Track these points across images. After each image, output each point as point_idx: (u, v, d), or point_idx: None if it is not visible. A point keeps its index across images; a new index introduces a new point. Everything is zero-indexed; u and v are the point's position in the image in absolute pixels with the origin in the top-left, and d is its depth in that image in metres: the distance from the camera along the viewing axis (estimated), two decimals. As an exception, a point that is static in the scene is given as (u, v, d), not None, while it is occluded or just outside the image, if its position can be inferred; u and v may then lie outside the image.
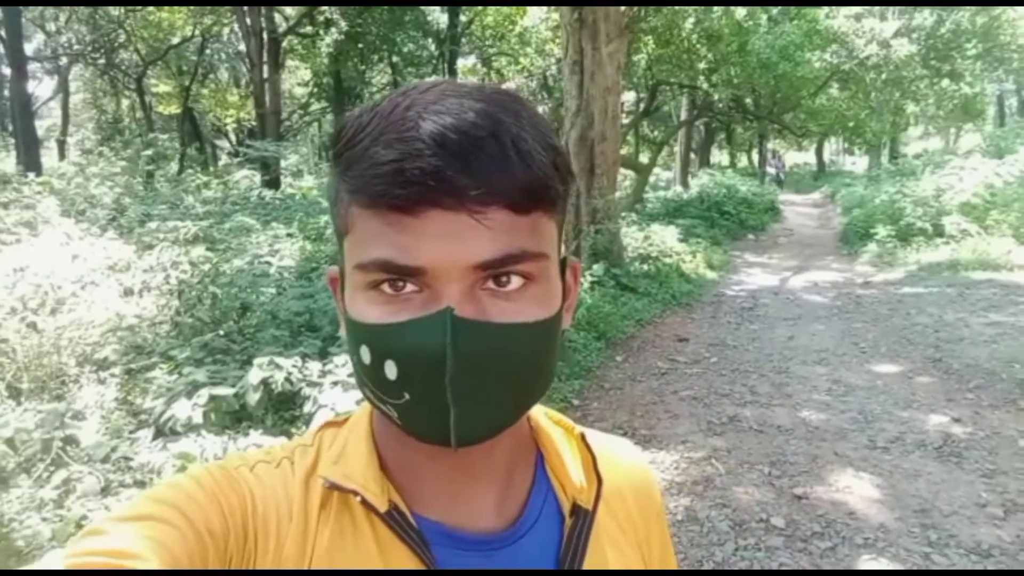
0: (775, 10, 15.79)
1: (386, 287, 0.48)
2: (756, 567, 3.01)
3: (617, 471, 0.66)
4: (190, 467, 0.51)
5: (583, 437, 0.63)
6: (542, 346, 0.51)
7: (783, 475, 3.85)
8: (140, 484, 3.49)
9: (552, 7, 12.48)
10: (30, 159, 15.50)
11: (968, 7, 15.75)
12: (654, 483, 0.71)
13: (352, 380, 3.95)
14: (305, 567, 0.52)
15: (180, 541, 0.47)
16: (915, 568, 2.98)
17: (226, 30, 25.16)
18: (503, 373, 0.49)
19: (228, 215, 11.36)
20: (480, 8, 21.09)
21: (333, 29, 21.13)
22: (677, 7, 12.62)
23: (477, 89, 0.50)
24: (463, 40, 23.41)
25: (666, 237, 11.07)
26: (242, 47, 25.55)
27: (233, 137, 30.55)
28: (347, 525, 0.54)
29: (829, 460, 4.03)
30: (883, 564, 3.00)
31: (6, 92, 27.76)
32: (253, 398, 3.77)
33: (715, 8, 12.86)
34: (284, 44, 21.90)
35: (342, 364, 4.05)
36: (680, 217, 14.32)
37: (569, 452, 0.63)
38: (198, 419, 3.58)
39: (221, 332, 5.21)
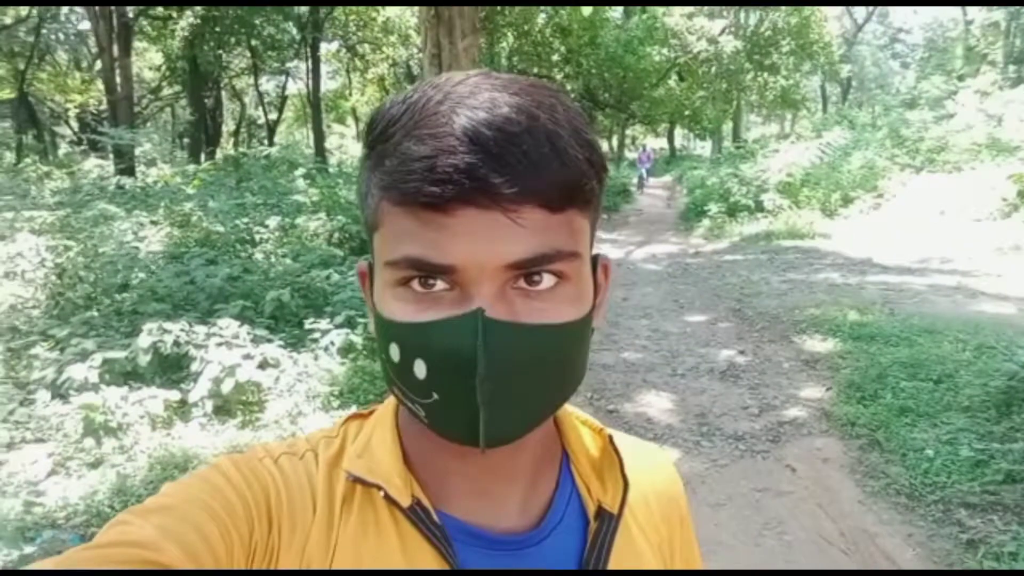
0: (620, 8, 17.09)
1: (416, 284, 0.48)
2: (572, 461, 3.88)
3: (643, 475, 0.65)
4: (215, 460, 0.55)
5: (611, 439, 0.63)
6: (573, 347, 0.51)
7: (601, 398, 4.79)
8: (40, 441, 3.90)
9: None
10: None
11: (784, 7, 17.90)
12: (680, 489, 0.70)
13: (236, 340, 4.49)
14: (329, 559, 0.52)
15: (204, 531, 0.47)
16: (691, 449, 3.96)
17: (64, 9, 23.72)
18: (534, 375, 0.49)
19: (84, 204, 11.16)
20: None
21: (188, 12, 20.57)
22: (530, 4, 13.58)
23: (511, 81, 0.49)
24: (326, 25, 23.37)
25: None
26: (82, 26, 24.18)
27: (75, 124, 28.69)
28: (370, 519, 0.54)
29: (638, 386, 5.02)
30: (665, 449, 3.96)
31: None
32: (144, 359, 4.24)
33: (563, 5, 13.91)
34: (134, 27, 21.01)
35: (225, 326, 4.57)
36: (538, 199, 15.35)
37: (596, 454, 0.62)
38: (94, 379, 4.02)
39: (96, 312, 5.53)
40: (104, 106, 21.90)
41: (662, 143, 39.98)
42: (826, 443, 3.99)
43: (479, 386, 0.46)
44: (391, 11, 17.22)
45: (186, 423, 4.13)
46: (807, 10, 18.15)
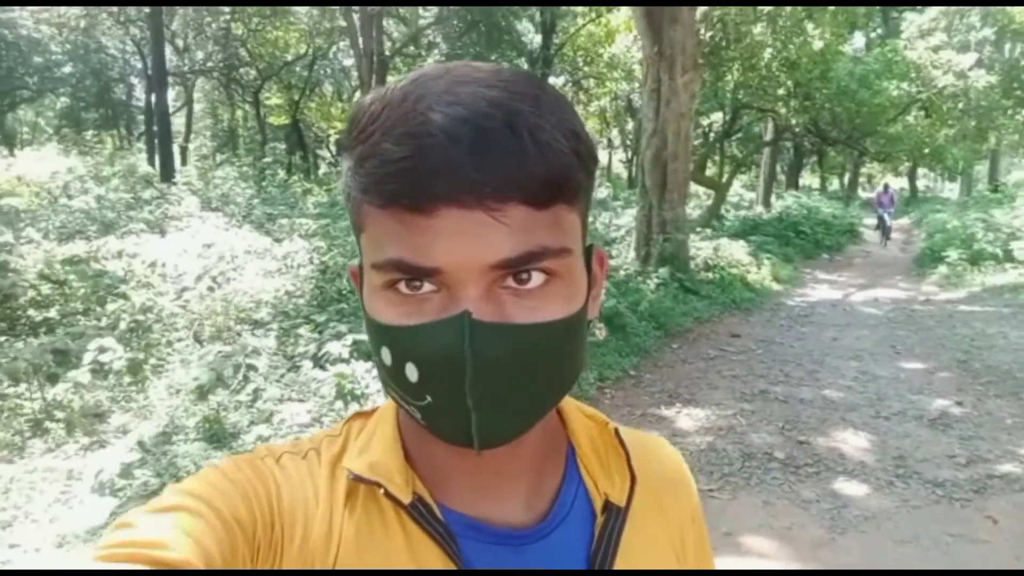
0: (859, 42, 16.23)
1: (403, 287, 0.47)
2: (754, 482, 3.99)
3: (652, 468, 0.64)
4: (217, 460, 0.55)
5: (616, 432, 0.62)
6: (566, 344, 0.50)
7: (794, 429, 4.80)
8: (301, 401, 4.78)
9: (634, 40, 13.52)
10: (167, 163, 17.61)
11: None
12: (690, 482, 0.69)
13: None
14: (332, 557, 0.52)
15: (208, 531, 0.47)
16: (883, 488, 3.89)
17: (333, 48, 27.31)
18: (526, 374, 0.48)
19: (339, 216, 12.89)
20: (573, 31, 22.28)
21: (435, 51, 22.93)
22: (757, 36, 13.48)
23: (492, 74, 0.48)
24: (555, 61, 24.67)
25: (735, 250, 11.90)
26: (347, 62, 27.63)
27: (333, 148, 32.54)
28: (375, 516, 0.54)
29: (835, 423, 4.95)
30: (853, 484, 3.94)
31: (134, 101, 31.13)
32: (384, 344, 5.03)
33: (794, 38, 13.62)
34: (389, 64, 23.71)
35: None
36: (755, 234, 15.02)
37: (601, 447, 0.62)
38: (345, 355, 4.86)
39: (347, 305, 6.54)
40: (359, 133, 24.87)
41: (903, 183, 36.85)
42: (1041, 502, 3.73)
43: (469, 390, 0.46)
44: (617, 47, 17.88)
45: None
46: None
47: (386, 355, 0.49)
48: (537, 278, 0.47)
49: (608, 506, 0.59)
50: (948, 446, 4.51)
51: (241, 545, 0.48)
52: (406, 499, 0.53)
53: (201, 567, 0.44)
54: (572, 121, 0.48)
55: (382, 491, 0.54)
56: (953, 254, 13.12)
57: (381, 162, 0.45)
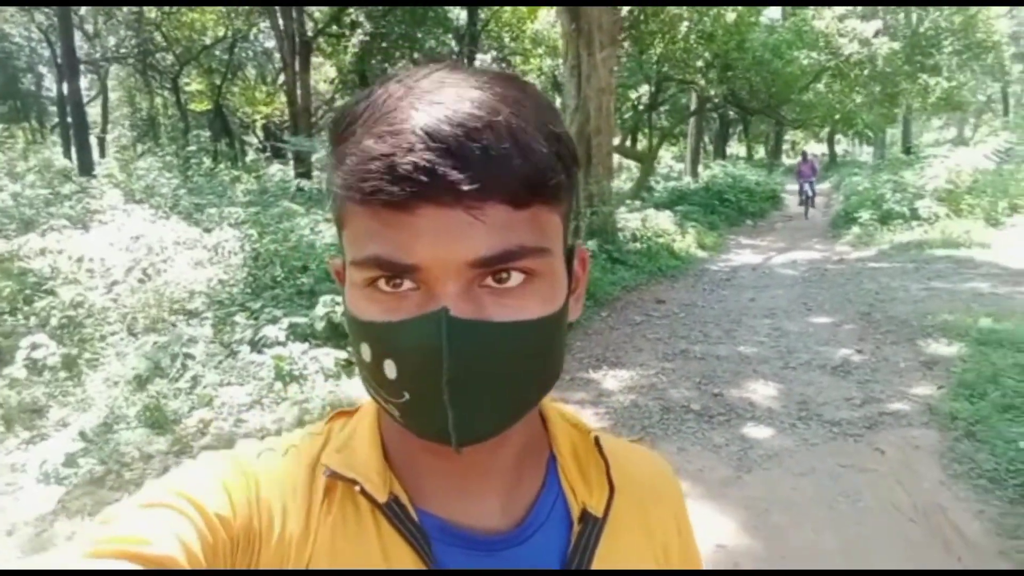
0: (775, 12, 16.86)
1: (383, 284, 0.48)
2: (671, 432, 4.34)
3: (635, 478, 0.64)
4: (200, 456, 0.56)
5: (597, 441, 0.63)
6: (545, 343, 0.51)
7: (710, 383, 5.18)
8: (241, 385, 4.90)
9: (555, 17, 13.74)
10: (84, 155, 16.97)
11: (945, 7, 16.91)
12: (677, 492, 0.69)
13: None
14: (307, 554, 0.52)
15: (189, 526, 0.48)
16: (785, 430, 4.28)
17: (254, 30, 26.60)
18: (503, 373, 0.48)
19: (270, 204, 12.76)
20: (497, 7, 22.32)
21: (359, 30, 22.64)
22: (673, 11, 13.88)
23: (476, 75, 0.49)
24: (481, 37, 24.65)
25: (661, 221, 12.35)
26: (269, 44, 27.00)
27: (261, 133, 31.82)
28: (351, 515, 0.54)
29: (748, 375, 5.35)
30: (760, 428, 4.33)
31: (44, 92, 29.80)
32: (319, 325, 5.17)
33: (709, 11, 14.08)
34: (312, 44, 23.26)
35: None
36: (681, 204, 15.55)
37: (583, 456, 0.62)
38: (282, 338, 4.99)
39: (281, 291, 6.63)
40: (285, 116, 24.44)
41: (823, 148, 38.37)
42: (923, 433, 4.18)
43: (446, 387, 0.46)
44: (540, 23, 18.10)
45: (351, 378, 5.00)
46: (972, 8, 17.06)
47: (365, 352, 0.50)
48: (516, 277, 0.48)
49: (585, 515, 0.59)
50: (847, 390, 4.96)
51: (221, 541, 0.49)
52: (382, 498, 0.54)
53: (182, 562, 0.45)
54: (553, 124, 0.50)
55: (359, 489, 0.54)
56: (865, 215, 13.92)
57: (362, 159, 0.46)
